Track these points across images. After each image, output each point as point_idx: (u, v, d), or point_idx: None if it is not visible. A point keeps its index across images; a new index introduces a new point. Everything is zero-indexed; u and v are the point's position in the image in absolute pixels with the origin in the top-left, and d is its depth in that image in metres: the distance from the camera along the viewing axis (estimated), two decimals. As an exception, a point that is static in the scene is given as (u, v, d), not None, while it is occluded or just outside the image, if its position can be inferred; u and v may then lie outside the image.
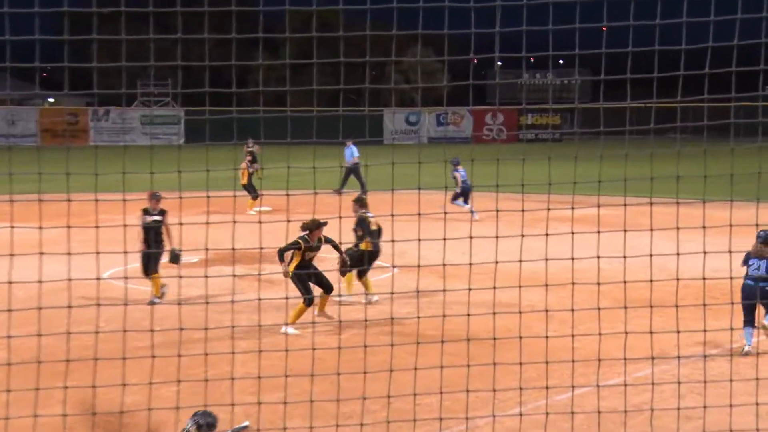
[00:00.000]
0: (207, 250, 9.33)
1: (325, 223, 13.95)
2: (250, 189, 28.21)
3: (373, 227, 15.37)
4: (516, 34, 7.75)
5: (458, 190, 26.65)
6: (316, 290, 14.14)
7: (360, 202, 15.86)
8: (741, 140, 53.96)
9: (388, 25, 8.99)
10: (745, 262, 12.71)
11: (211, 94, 7.66)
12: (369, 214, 15.52)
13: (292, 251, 13.85)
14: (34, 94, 72.09)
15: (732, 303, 8.26)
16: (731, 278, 8.71)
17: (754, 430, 8.28)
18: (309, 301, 13.68)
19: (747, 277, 12.56)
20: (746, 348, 12.39)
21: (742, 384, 9.36)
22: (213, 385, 9.14)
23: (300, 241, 13.87)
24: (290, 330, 13.42)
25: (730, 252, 8.21)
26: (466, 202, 26.22)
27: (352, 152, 33.43)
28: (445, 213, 8.00)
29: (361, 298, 15.36)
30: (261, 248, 11.30)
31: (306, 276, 13.85)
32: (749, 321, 12.34)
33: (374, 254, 15.45)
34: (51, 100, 77.04)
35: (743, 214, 9.82)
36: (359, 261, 15.19)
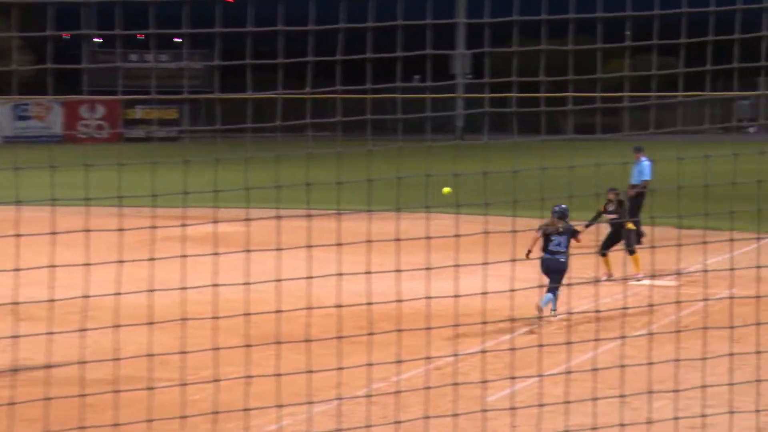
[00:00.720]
0: None
1: None
2: None
3: None
4: (112, 5, 7.69)
5: None
6: None
7: None
8: (380, 138, 57.38)
9: None
10: (544, 235, 17.08)
11: None
12: None
13: None
14: None
15: (372, 333, 8.77)
16: (370, 303, 9.23)
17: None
18: None
19: (546, 251, 16.97)
20: (547, 311, 16.87)
21: (382, 429, 9.97)
22: None
23: None
24: None
25: (368, 273, 8.67)
26: None
27: None
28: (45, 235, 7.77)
29: None
30: None
31: None
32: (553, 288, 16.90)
33: None
34: None
35: (383, 226, 10.48)
36: None
